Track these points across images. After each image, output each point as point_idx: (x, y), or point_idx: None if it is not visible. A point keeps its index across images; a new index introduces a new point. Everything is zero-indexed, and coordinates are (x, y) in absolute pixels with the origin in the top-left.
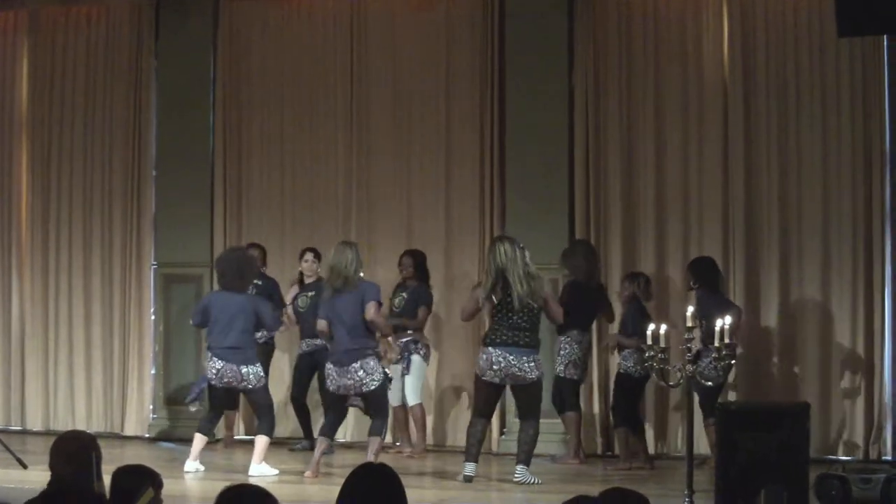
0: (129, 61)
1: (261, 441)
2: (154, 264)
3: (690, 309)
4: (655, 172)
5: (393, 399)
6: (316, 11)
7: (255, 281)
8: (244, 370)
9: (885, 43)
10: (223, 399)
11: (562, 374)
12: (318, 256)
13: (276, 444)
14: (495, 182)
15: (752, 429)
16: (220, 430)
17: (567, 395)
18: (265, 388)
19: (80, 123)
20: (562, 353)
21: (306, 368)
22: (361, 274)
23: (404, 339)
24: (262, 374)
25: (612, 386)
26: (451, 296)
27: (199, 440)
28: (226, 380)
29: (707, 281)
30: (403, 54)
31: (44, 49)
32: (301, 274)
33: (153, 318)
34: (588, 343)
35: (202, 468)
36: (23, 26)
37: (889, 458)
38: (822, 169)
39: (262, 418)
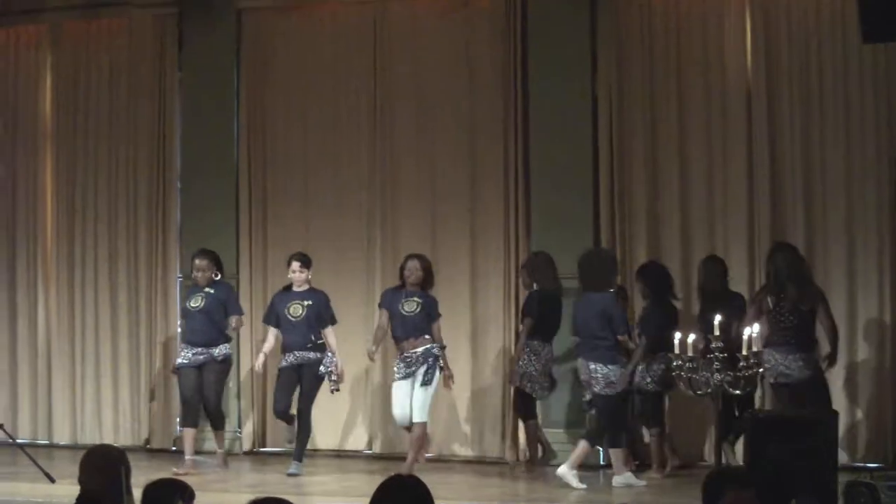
0: (152, 73)
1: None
2: (180, 276)
3: (718, 317)
4: (679, 178)
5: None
6: (338, 19)
7: (207, 289)
8: None
9: None
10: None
11: (517, 384)
12: (305, 265)
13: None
14: (520, 187)
15: (780, 438)
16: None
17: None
18: None
19: (105, 136)
20: (520, 362)
21: (288, 381)
22: None
23: (424, 347)
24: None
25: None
26: (476, 303)
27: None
28: None
29: (653, 289)
30: (426, 61)
31: (67, 63)
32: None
33: (179, 330)
34: (550, 356)
35: None
36: (46, 40)
37: None
38: (846, 176)
39: None
